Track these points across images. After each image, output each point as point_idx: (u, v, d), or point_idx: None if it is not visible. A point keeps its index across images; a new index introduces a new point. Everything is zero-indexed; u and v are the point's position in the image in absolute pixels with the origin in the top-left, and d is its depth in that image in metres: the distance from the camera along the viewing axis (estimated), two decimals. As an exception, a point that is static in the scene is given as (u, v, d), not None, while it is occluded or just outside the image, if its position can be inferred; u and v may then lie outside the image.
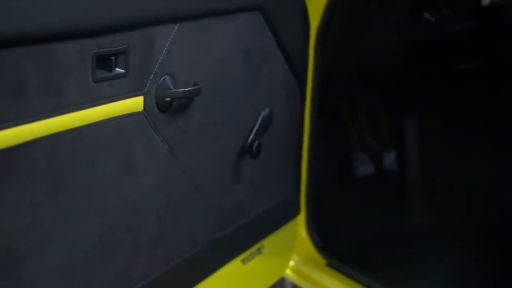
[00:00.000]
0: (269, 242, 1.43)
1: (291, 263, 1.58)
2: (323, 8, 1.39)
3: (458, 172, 1.89)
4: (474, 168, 1.87)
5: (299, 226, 1.57)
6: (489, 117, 1.86)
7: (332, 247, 1.60)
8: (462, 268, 1.65)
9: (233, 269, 1.32)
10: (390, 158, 1.95)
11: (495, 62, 1.74)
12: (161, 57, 1.01)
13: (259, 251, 1.40)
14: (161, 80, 1.02)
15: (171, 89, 1.03)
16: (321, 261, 1.57)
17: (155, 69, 1.00)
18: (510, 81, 1.81)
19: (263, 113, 1.27)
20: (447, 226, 1.83)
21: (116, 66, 0.94)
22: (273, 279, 1.54)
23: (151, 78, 1.00)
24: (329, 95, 1.65)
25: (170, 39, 1.02)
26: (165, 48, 1.01)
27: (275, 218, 1.43)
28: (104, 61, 0.92)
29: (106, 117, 0.95)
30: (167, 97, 1.02)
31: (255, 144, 1.23)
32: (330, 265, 1.57)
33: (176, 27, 1.02)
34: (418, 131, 1.96)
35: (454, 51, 1.67)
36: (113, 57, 0.92)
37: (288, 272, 1.58)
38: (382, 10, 1.43)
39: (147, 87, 0.99)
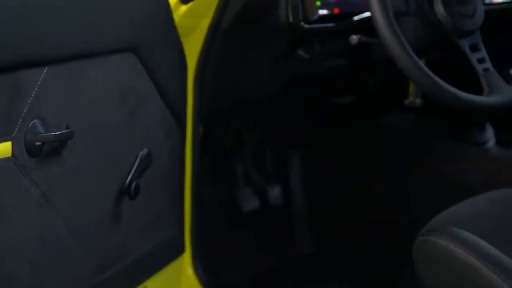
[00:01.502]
0: (153, 283, 1.41)
1: (177, 302, 1.57)
2: (200, 47, 1.41)
3: (341, 202, 1.95)
4: (357, 197, 1.94)
5: (185, 264, 1.56)
6: (367, 148, 1.94)
7: (219, 284, 1.61)
8: None
9: (116, 312, 1.30)
10: (275, 192, 1.99)
11: (367, 95, 1.82)
12: (29, 101, 0.98)
13: (142, 293, 1.39)
14: (31, 124, 0.99)
15: (41, 133, 1.01)
16: (208, 298, 1.57)
17: (23, 114, 0.98)
18: (381, 113, 1.90)
19: (141, 153, 1.26)
20: (334, 253, 1.88)
21: (-20, 112, 0.91)
22: (159, 320, 1.52)
23: (19, 122, 0.97)
24: (212, 131, 1.66)
25: (39, 83, 1.00)
26: (34, 92, 0.99)
27: (159, 258, 1.42)
28: (-33, 107, 0.89)
29: (-28, 164, 0.92)
30: (37, 141, 1.00)
31: (133, 185, 1.23)
32: None
33: (45, 70, 1.01)
34: (302, 164, 2.00)
35: (330, 85, 1.73)
36: None
37: (174, 312, 1.56)
38: (258, 47, 1.46)
39: (15, 132, 0.97)
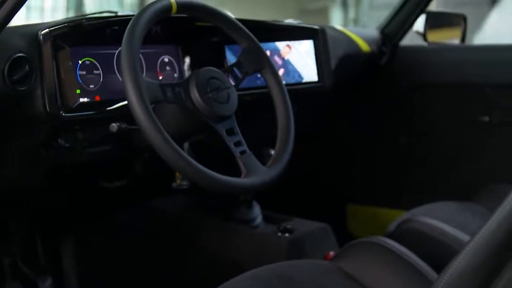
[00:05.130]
0: None
1: None
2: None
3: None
4: (133, 283, 1.91)
5: None
6: (140, 231, 1.93)
7: None
8: None
9: None
10: (47, 284, 1.90)
11: (136, 179, 1.81)
12: None
13: None
14: None
15: None
16: None
17: None
18: (151, 196, 1.91)
19: None
20: None
21: None
22: None
23: None
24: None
25: None
26: None
27: None
28: None
29: None
30: None
31: None
32: None
33: None
34: (74, 252, 1.95)
35: (96, 171, 1.70)
36: None
37: None
38: (14, 138, 1.40)
39: None
